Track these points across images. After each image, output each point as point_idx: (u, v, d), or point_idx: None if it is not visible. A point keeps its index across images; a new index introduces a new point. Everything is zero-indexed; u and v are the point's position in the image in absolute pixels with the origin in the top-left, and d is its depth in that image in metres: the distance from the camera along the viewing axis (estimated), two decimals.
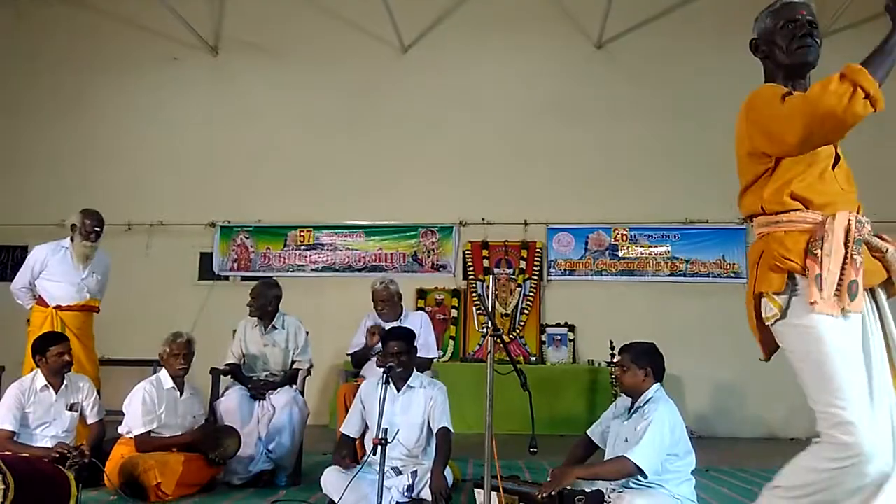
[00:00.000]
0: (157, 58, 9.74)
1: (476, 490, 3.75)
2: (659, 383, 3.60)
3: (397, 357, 4.09)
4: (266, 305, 5.18)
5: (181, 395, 4.64)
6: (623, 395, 3.74)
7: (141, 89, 9.72)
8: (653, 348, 3.70)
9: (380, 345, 4.67)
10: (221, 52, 9.75)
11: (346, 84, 9.45)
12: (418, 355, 4.43)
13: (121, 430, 4.44)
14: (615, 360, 3.75)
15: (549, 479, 3.41)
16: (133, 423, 4.39)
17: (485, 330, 3.15)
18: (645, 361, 3.58)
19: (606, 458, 3.61)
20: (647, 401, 3.53)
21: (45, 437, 4.39)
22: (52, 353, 4.46)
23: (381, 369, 3.97)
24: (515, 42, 9.36)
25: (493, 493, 3.15)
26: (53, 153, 9.60)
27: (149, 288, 9.03)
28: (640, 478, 3.36)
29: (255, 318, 5.20)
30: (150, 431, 4.40)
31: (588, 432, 3.85)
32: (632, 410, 3.58)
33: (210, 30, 9.68)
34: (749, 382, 8.09)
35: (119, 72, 9.77)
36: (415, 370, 4.26)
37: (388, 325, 4.99)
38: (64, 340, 4.54)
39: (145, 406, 4.41)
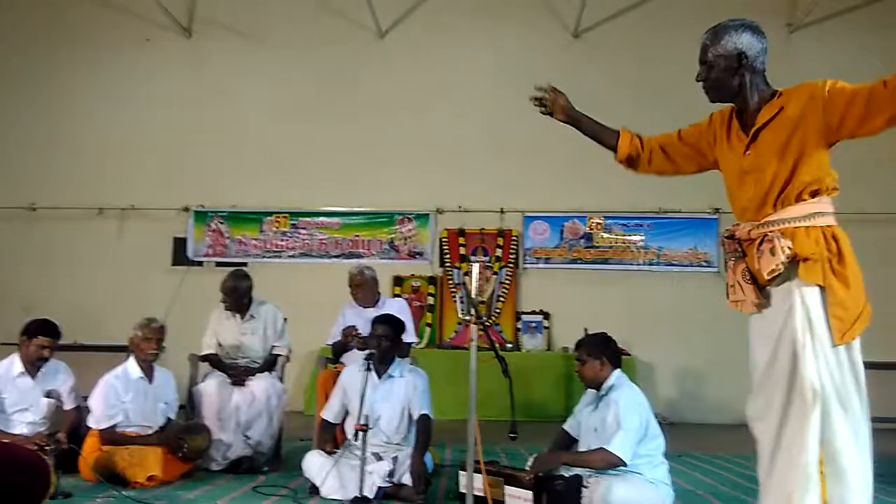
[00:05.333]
0: (129, 39, 9.57)
1: (461, 472, 3.81)
2: (618, 369, 3.71)
3: (380, 339, 4.13)
4: (241, 299, 5.15)
5: (151, 382, 4.58)
6: (588, 388, 3.82)
7: (112, 71, 9.55)
8: (605, 337, 3.82)
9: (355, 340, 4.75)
10: (195, 34, 9.61)
11: (322, 68, 9.38)
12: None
13: (89, 422, 4.39)
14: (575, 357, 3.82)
15: (533, 462, 3.48)
16: (96, 417, 4.33)
17: (468, 318, 3.16)
18: (599, 351, 3.70)
19: (580, 448, 3.70)
20: (610, 388, 3.64)
21: (21, 423, 4.36)
22: (37, 342, 4.41)
23: (363, 355, 4.02)
24: (492, 29, 9.36)
25: (479, 475, 3.20)
26: (22, 136, 9.41)
27: (121, 274, 8.94)
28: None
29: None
30: (114, 426, 4.33)
31: (564, 426, 3.93)
32: (597, 400, 3.68)
33: (183, 11, 9.52)
34: (720, 369, 8.23)
35: (90, 53, 9.59)
36: (396, 357, 4.30)
37: (364, 313, 5.01)
38: (54, 336, 4.48)
39: (108, 400, 4.33)
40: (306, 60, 9.41)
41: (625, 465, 3.42)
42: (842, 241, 2.30)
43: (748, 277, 2.44)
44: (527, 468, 3.56)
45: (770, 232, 2.34)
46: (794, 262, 2.29)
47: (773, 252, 2.30)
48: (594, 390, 3.75)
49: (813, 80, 2.36)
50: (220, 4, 9.59)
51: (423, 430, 4.08)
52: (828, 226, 2.33)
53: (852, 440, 2.21)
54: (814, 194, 2.34)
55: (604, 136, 2.86)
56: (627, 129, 2.84)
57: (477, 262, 8.69)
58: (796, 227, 2.32)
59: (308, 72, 9.39)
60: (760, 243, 2.36)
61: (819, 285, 2.26)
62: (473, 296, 3.38)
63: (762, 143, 2.42)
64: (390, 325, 4.24)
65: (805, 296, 2.27)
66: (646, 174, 2.89)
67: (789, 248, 2.28)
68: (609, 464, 3.45)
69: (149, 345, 4.55)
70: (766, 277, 2.34)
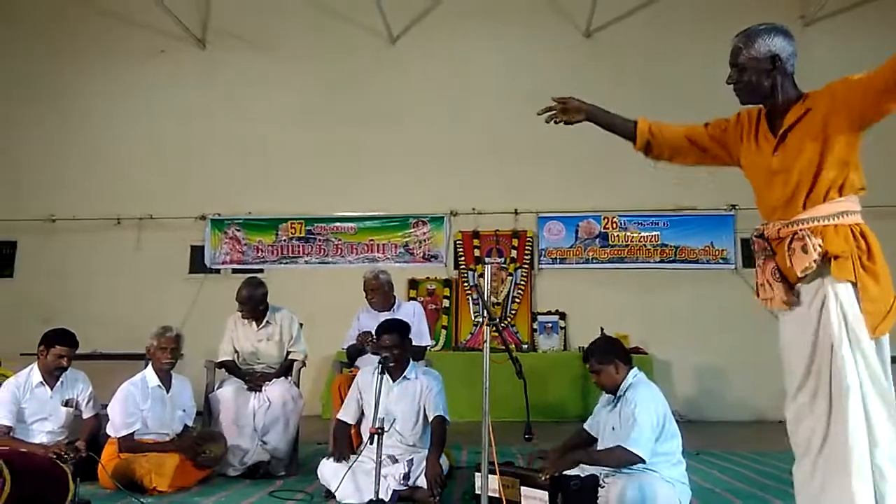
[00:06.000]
0: (144, 51, 9.69)
1: (477, 474, 3.79)
2: (634, 368, 3.70)
3: (390, 350, 4.12)
4: (257, 306, 5.18)
5: (168, 391, 4.61)
6: (606, 393, 3.80)
7: (128, 82, 9.67)
8: (608, 340, 3.87)
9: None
10: (209, 45, 9.71)
11: (335, 75, 9.43)
12: (413, 344, 4.48)
13: (108, 430, 4.43)
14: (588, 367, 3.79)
15: (548, 462, 3.46)
16: (115, 425, 4.37)
17: (480, 319, 3.17)
18: (609, 356, 3.68)
19: (599, 447, 3.68)
20: (628, 387, 3.62)
21: (41, 433, 4.40)
22: (55, 351, 4.45)
23: (377, 359, 4.02)
24: (504, 31, 9.37)
25: (493, 476, 3.19)
26: (41, 148, 9.55)
27: (140, 282, 9.03)
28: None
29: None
30: (132, 433, 4.37)
31: (585, 425, 3.92)
32: (615, 400, 3.67)
33: (197, 22, 9.63)
34: (737, 366, 8.17)
35: (106, 65, 9.72)
36: (410, 360, 4.30)
37: (380, 317, 5.01)
38: (71, 345, 4.53)
39: (127, 408, 4.37)
40: (319, 68, 9.48)
41: (643, 461, 3.40)
42: (870, 238, 2.36)
43: (777, 276, 2.48)
44: (538, 467, 3.54)
45: (800, 230, 2.38)
46: (825, 259, 2.33)
47: (805, 250, 2.34)
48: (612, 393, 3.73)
49: (833, 81, 2.40)
50: (233, 15, 9.68)
51: (439, 432, 4.08)
52: (856, 223, 2.37)
53: (891, 431, 2.24)
54: (841, 192, 2.38)
55: (621, 127, 2.88)
56: (646, 119, 2.85)
57: (491, 263, 8.74)
58: (825, 226, 2.36)
59: (321, 79, 9.45)
60: (791, 242, 2.40)
61: (851, 281, 2.30)
62: (486, 297, 3.39)
63: (790, 144, 2.46)
64: (396, 331, 4.21)
65: (839, 292, 2.30)
66: (664, 162, 2.90)
67: (820, 245, 2.32)
68: (627, 462, 3.42)
69: (164, 354, 4.58)
70: (799, 275, 2.37)
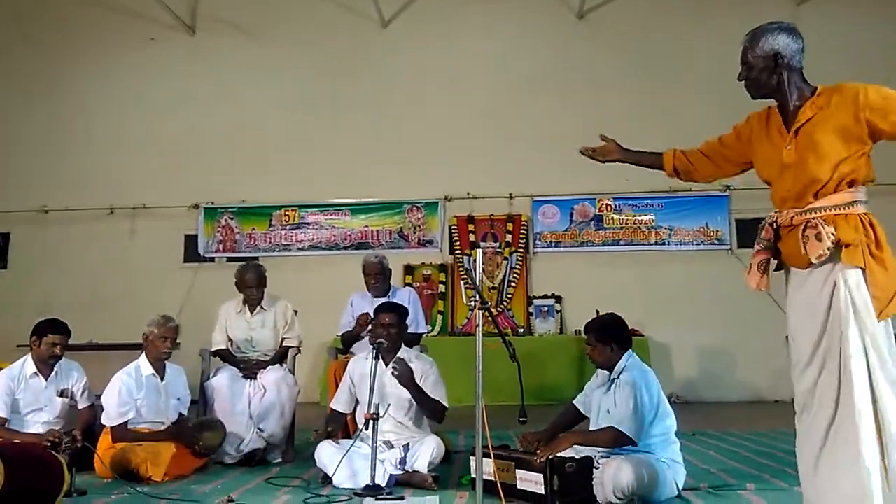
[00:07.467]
0: (134, 39, 9.63)
1: (472, 458, 3.80)
2: (629, 350, 3.71)
3: (387, 328, 4.13)
4: (262, 288, 5.18)
5: (162, 379, 4.59)
6: (598, 368, 3.82)
7: (119, 71, 9.61)
8: (612, 319, 3.83)
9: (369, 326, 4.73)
10: (199, 32, 9.64)
11: (326, 61, 9.38)
12: (409, 331, 4.49)
13: (103, 420, 4.42)
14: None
15: (545, 446, 3.48)
16: (109, 414, 4.36)
17: (473, 304, 3.18)
18: (608, 335, 3.70)
19: (591, 427, 3.72)
20: (621, 370, 3.64)
21: (36, 423, 4.39)
22: (47, 340, 4.43)
23: (371, 345, 4.02)
24: (497, 14, 9.32)
25: (489, 460, 3.20)
26: (33, 139, 9.50)
27: (134, 272, 9.02)
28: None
29: (239, 303, 5.21)
30: (125, 423, 4.35)
31: (574, 402, 3.94)
32: (609, 382, 3.69)
33: (187, 9, 9.56)
34: (735, 347, 8.20)
35: (96, 54, 9.66)
36: (403, 345, 4.30)
37: (374, 302, 4.99)
38: (64, 333, 4.51)
39: (120, 397, 4.35)
40: (310, 53, 9.42)
41: (634, 444, 3.43)
42: (877, 228, 2.49)
43: (763, 268, 2.68)
44: (534, 449, 3.55)
45: (812, 218, 2.49)
46: (837, 246, 2.44)
47: (819, 238, 2.45)
48: (606, 371, 3.75)
49: (853, 83, 2.50)
50: (222, 1, 9.60)
51: (436, 404, 4.12)
52: (864, 213, 2.50)
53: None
54: (851, 184, 2.50)
55: (651, 161, 3.08)
56: (670, 150, 3.05)
57: (487, 248, 8.73)
58: (837, 215, 2.48)
59: (312, 65, 9.40)
60: (804, 229, 2.51)
61: (860, 268, 2.42)
62: (478, 282, 3.38)
63: (803, 140, 2.56)
64: (395, 312, 4.24)
65: (847, 278, 2.42)
66: (696, 181, 3.09)
67: (833, 234, 2.44)
68: (618, 442, 3.46)
69: (164, 343, 4.56)
70: (814, 262, 2.48)
